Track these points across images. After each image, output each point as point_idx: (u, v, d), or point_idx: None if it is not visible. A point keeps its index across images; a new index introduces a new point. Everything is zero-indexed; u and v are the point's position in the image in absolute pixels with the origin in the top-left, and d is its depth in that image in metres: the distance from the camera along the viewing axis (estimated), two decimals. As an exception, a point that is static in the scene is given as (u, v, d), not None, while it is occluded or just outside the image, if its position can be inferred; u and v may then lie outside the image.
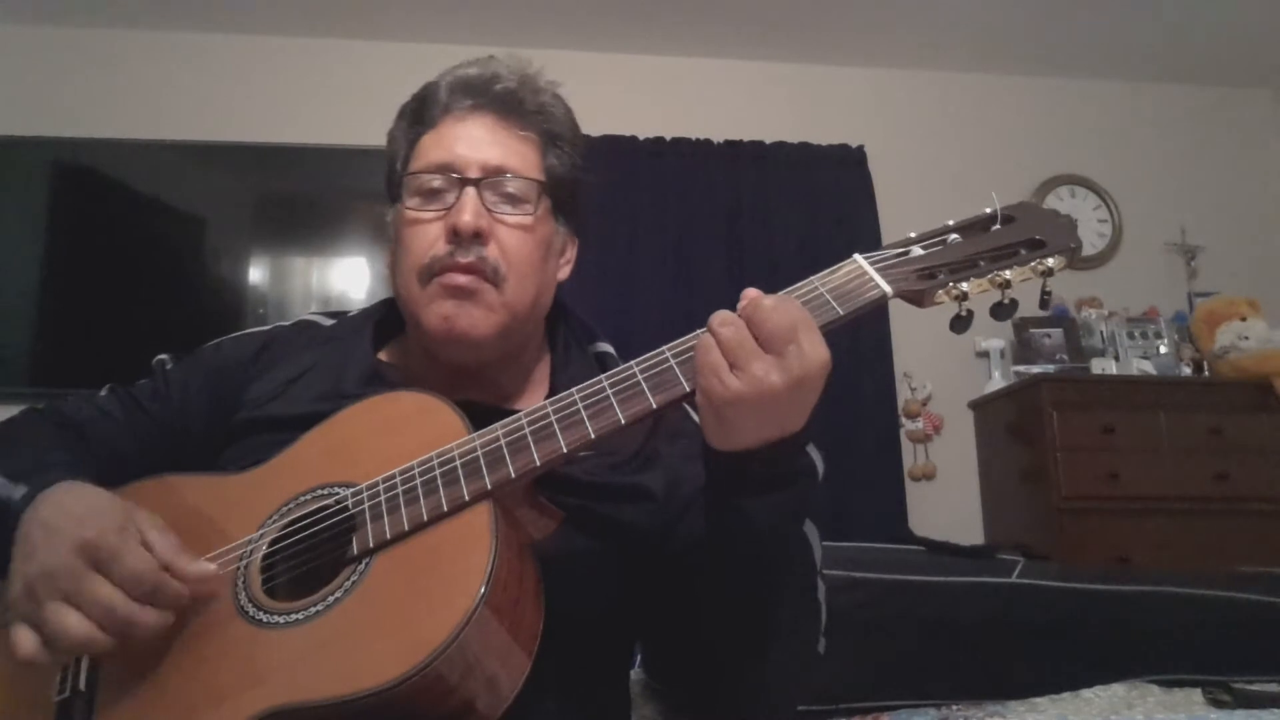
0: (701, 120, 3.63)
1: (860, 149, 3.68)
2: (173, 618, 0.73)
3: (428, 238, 0.90)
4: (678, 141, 3.60)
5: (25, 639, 0.70)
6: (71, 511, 0.74)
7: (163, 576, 0.72)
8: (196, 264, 3.41)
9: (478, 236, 0.88)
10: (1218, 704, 1.29)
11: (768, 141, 3.65)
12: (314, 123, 3.46)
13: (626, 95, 3.56)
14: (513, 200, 0.92)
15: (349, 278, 3.50)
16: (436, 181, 0.91)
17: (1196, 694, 1.36)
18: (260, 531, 0.79)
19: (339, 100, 3.48)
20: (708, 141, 3.62)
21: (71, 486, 0.78)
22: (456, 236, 0.88)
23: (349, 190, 3.47)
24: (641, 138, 3.56)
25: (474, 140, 0.92)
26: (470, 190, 0.89)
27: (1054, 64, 3.86)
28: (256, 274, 3.41)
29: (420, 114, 0.96)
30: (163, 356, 1.03)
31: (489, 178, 0.91)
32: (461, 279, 0.88)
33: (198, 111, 3.43)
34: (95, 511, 0.74)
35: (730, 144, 3.63)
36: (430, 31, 3.52)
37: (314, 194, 3.51)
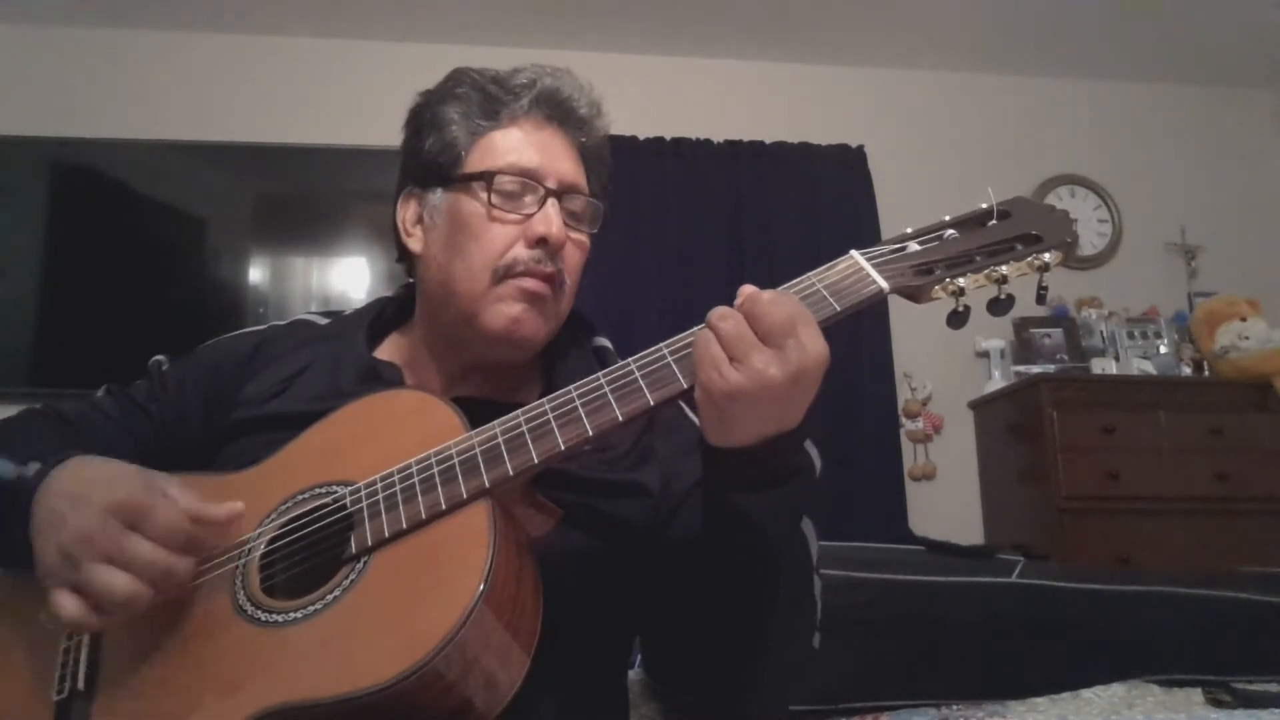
0: (701, 120, 3.63)
1: (860, 149, 3.68)
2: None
3: (506, 237, 0.91)
4: (678, 141, 3.60)
5: (69, 603, 0.71)
6: (94, 478, 0.75)
7: (193, 526, 0.74)
8: (196, 264, 3.41)
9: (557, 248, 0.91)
10: (1218, 704, 1.29)
11: (768, 141, 3.65)
12: (314, 123, 3.46)
13: (626, 95, 3.55)
14: (576, 217, 0.95)
15: (349, 278, 3.50)
16: (515, 184, 0.92)
17: (1196, 694, 1.35)
18: (258, 530, 0.79)
19: (339, 100, 3.49)
20: (708, 141, 3.62)
21: (85, 459, 0.79)
22: (544, 244, 0.90)
23: (349, 190, 3.47)
24: (641, 138, 3.56)
25: (554, 152, 0.95)
26: (554, 201, 0.92)
27: (1054, 64, 3.86)
28: (256, 274, 3.41)
29: (489, 109, 0.95)
30: (159, 357, 1.03)
31: (565, 192, 0.94)
32: (540, 286, 0.91)
33: (198, 111, 3.43)
34: (118, 474, 0.76)
35: (730, 144, 3.63)
36: (430, 31, 3.52)
37: (314, 194, 3.51)
